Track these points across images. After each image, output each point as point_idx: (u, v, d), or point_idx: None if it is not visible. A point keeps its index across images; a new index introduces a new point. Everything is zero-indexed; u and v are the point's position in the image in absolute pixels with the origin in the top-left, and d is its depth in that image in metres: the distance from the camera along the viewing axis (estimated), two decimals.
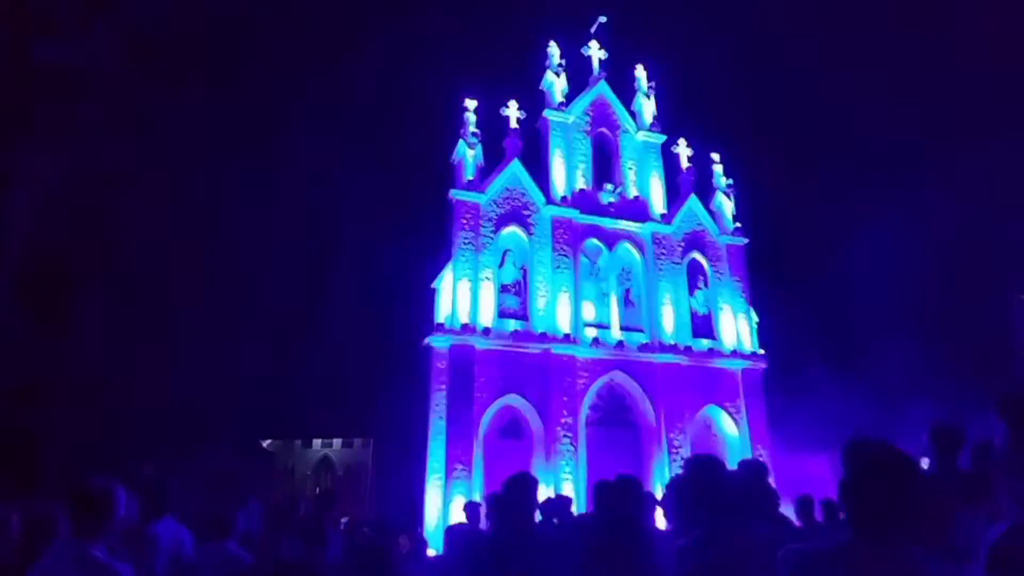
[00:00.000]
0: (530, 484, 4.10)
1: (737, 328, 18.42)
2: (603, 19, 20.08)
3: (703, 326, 18.27)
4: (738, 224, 19.52)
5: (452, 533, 7.50)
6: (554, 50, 19.29)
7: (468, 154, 17.23)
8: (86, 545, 2.63)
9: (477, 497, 13.95)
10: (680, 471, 2.96)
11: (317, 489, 43.64)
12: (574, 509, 8.38)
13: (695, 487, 2.79)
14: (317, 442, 46.83)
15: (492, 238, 16.88)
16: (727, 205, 19.74)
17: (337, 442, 46.70)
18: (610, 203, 18.33)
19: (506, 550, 4.13)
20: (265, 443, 43.74)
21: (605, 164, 19.10)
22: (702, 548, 2.58)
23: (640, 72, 20.43)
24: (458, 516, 13.64)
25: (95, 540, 2.67)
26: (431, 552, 10.72)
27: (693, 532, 2.72)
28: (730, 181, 20.12)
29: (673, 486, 3.07)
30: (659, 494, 10.13)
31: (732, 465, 4.37)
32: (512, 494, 4.12)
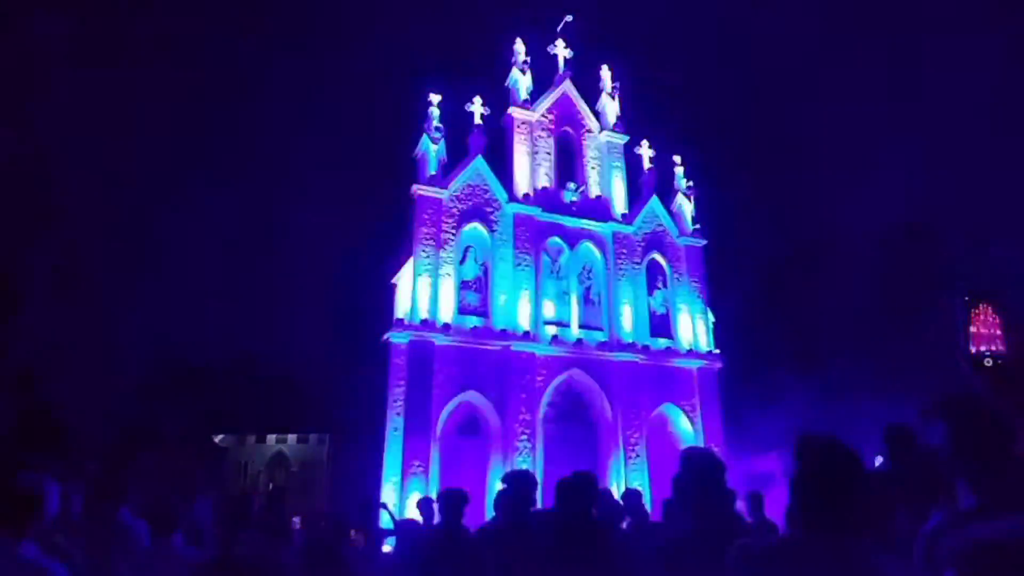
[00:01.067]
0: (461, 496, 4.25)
1: (694, 328, 18.74)
2: (569, 18, 20.15)
3: (661, 326, 18.54)
4: (697, 226, 19.85)
5: (403, 529, 7.44)
6: (520, 47, 19.26)
7: (431, 149, 17.09)
8: (14, 544, 2.50)
9: (433, 494, 13.87)
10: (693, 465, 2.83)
11: (271, 485, 42.81)
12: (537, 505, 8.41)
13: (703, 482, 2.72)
14: (271, 437, 45.90)
15: (454, 234, 16.78)
16: (687, 207, 20.04)
17: (292, 438, 45.86)
18: (572, 202, 18.42)
19: (454, 546, 4.14)
20: (217, 438, 42.69)
21: (568, 163, 19.18)
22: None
23: (605, 72, 20.57)
24: (414, 513, 13.55)
25: (23, 538, 2.54)
26: (386, 548, 10.63)
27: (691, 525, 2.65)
28: (691, 183, 20.43)
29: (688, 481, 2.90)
30: (616, 491, 10.24)
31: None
32: (451, 497, 4.19)
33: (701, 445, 17.26)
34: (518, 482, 4.31)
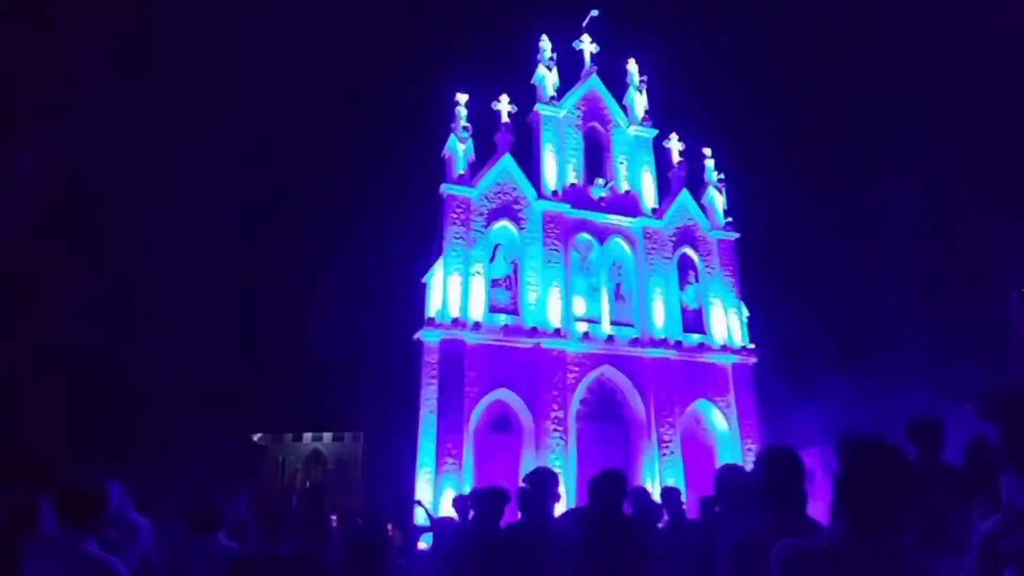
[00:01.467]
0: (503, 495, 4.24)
1: (727, 323, 18.49)
2: (595, 13, 20.03)
3: (693, 321, 18.33)
4: (729, 219, 19.56)
5: (440, 527, 7.49)
6: (546, 44, 19.22)
7: (459, 148, 17.16)
8: (79, 540, 2.63)
9: (466, 491, 13.96)
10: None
11: (307, 483, 43.60)
12: (563, 504, 8.41)
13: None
14: (307, 436, 46.77)
15: (483, 232, 16.84)
16: (718, 200, 19.77)
17: (327, 436, 46.67)
18: (601, 198, 18.32)
19: (489, 545, 4.16)
20: (256, 437, 43.64)
21: (596, 159, 19.08)
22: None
23: (632, 66, 20.41)
24: (449, 510, 13.65)
25: (88, 536, 2.66)
26: (421, 545, 10.73)
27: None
28: (721, 176, 20.15)
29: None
30: (652, 489, 10.17)
31: (723, 459, 4.36)
32: (488, 495, 4.20)
33: (736, 443, 17.05)
34: (540, 480, 4.31)
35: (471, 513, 7.48)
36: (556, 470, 15.09)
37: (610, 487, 3.87)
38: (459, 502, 8.17)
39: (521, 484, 4.36)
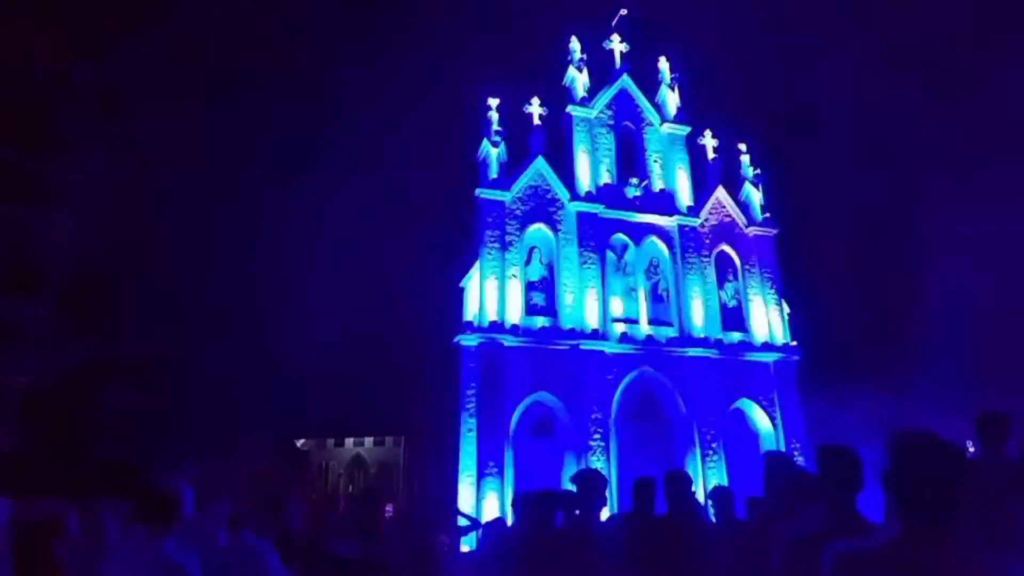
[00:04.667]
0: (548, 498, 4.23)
1: (768, 320, 18.17)
2: (624, 12, 19.95)
3: (733, 319, 18.06)
4: (767, 214, 19.23)
5: (488, 529, 7.55)
6: (575, 45, 19.22)
7: (492, 152, 17.26)
8: (158, 544, 2.74)
9: (508, 494, 14.05)
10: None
11: (350, 488, 44.20)
12: (607, 508, 8.37)
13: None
14: (349, 441, 47.40)
15: (518, 235, 16.90)
16: (755, 195, 19.46)
17: (369, 441, 47.21)
18: (635, 197, 18.21)
19: (537, 547, 4.19)
20: (299, 442, 44.43)
21: (630, 158, 18.97)
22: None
23: (663, 64, 20.25)
24: (491, 513, 13.72)
25: (166, 538, 2.78)
26: (464, 549, 10.83)
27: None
28: (758, 171, 19.82)
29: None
30: (698, 490, 10.04)
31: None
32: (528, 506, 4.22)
33: (780, 442, 16.73)
34: (587, 482, 4.30)
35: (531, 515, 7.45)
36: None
37: (674, 489, 3.85)
38: (522, 503, 8.18)
39: (569, 486, 4.38)
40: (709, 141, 19.80)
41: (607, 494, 4.41)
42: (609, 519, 6.92)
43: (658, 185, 18.65)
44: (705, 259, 18.22)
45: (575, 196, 17.44)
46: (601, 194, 17.74)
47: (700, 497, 11.25)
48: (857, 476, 2.53)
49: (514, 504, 7.95)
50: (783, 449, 16.49)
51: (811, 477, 2.82)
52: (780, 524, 3.03)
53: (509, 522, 7.81)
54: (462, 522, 9.88)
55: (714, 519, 5.57)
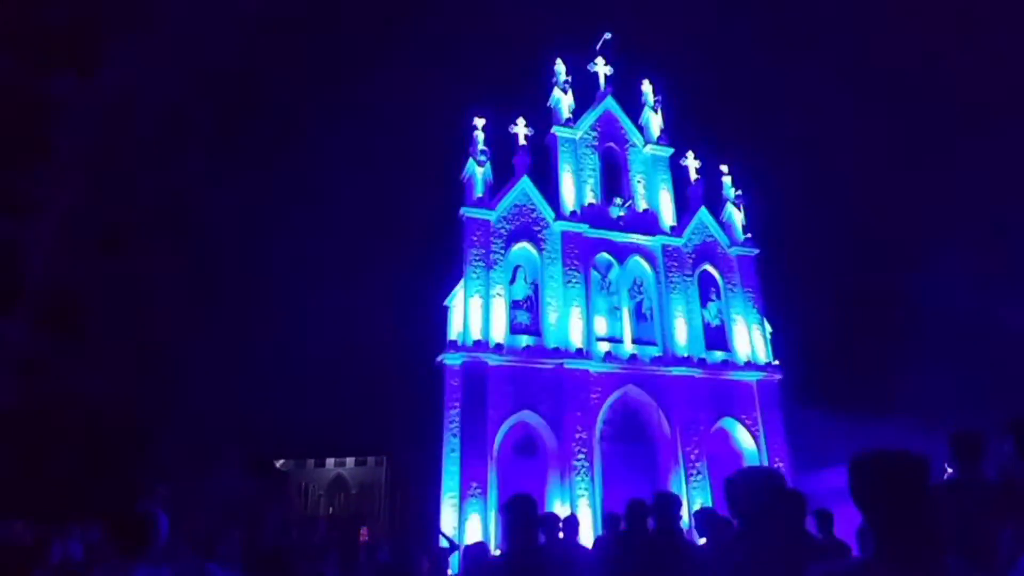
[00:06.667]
0: (530, 504, 4.14)
1: (751, 339, 18.30)
2: (608, 36, 20.29)
3: (716, 338, 18.17)
4: (749, 235, 19.47)
5: (468, 552, 7.45)
6: (560, 67, 19.47)
7: (477, 172, 17.35)
8: (131, 568, 2.68)
9: (493, 515, 13.91)
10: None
11: (330, 509, 43.51)
12: (588, 528, 8.30)
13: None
14: (330, 461, 46.77)
15: (503, 254, 16.93)
16: (737, 216, 19.71)
17: (350, 461, 46.62)
18: (619, 217, 18.35)
19: (519, 570, 4.12)
20: (278, 463, 43.73)
21: (614, 178, 19.16)
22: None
23: (646, 87, 20.57)
24: (474, 535, 13.57)
25: (140, 563, 2.71)
26: (450, 573, 10.66)
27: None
28: (739, 192, 20.10)
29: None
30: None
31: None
32: (513, 514, 4.12)
33: (764, 461, 16.76)
34: (519, 507, 4.18)
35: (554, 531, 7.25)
36: (582, 492, 14.93)
37: (665, 511, 3.84)
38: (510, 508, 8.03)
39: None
40: (692, 162, 20.07)
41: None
42: (597, 541, 6.86)
43: (642, 205, 18.83)
44: (688, 279, 18.37)
45: (560, 215, 17.55)
46: (585, 214, 17.87)
47: (685, 518, 11.20)
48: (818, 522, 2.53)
49: (502, 509, 7.79)
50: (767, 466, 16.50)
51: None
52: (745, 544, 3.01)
53: (492, 546, 7.72)
54: (443, 543, 9.75)
55: (699, 540, 5.56)
